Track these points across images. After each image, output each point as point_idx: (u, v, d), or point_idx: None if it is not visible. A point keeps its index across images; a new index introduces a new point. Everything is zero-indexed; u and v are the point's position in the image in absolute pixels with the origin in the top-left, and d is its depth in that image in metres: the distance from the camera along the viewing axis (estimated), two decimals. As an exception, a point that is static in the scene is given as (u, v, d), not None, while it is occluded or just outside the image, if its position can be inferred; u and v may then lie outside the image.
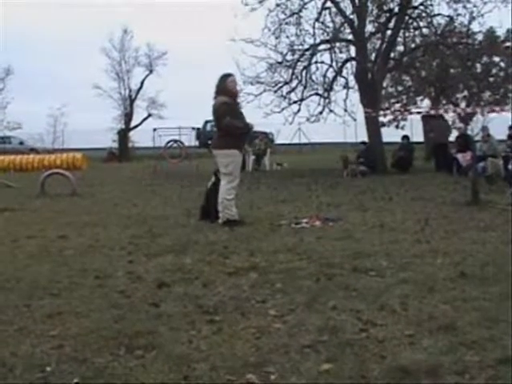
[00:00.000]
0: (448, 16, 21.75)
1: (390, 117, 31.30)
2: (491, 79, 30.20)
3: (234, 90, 10.02)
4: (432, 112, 21.61)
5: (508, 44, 28.74)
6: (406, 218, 9.88)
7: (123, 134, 38.75)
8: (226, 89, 9.79)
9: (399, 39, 22.14)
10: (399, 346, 4.17)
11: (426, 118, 22.09)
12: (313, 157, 26.52)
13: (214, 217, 9.76)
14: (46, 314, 5.06)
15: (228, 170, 9.67)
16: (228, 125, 9.60)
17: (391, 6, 21.97)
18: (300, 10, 21.93)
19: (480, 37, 25.56)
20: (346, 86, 22.62)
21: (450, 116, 27.55)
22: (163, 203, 12.42)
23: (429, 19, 21.72)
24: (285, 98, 22.37)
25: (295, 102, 22.45)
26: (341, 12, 21.68)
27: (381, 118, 24.38)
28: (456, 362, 3.84)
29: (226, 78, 9.89)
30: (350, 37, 22.16)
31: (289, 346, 4.21)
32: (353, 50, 22.40)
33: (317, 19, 21.86)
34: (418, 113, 24.31)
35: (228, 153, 9.65)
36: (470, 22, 21.74)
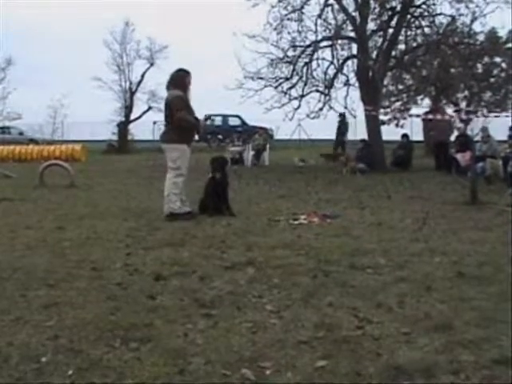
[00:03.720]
0: (450, 15, 21.70)
1: (389, 115, 31.34)
2: (492, 80, 30.20)
3: (189, 85, 9.97)
4: (431, 116, 21.64)
5: (510, 45, 28.74)
6: (404, 217, 9.88)
7: (123, 127, 38.65)
8: (181, 82, 9.86)
9: (401, 38, 22.07)
10: (395, 344, 4.17)
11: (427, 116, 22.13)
12: (312, 153, 26.45)
13: (215, 211, 9.80)
14: (42, 304, 5.06)
15: (176, 165, 9.73)
16: (182, 119, 9.62)
17: (393, 4, 21.91)
18: (302, 7, 21.89)
19: (482, 37, 25.55)
20: (347, 84, 22.58)
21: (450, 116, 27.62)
22: (162, 196, 12.39)
23: (431, 18, 21.66)
24: (285, 93, 22.35)
25: (295, 98, 22.42)
26: (343, 9, 21.63)
27: (381, 116, 24.41)
28: (451, 361, 3.85)
29: (185, 72, 9.98)
30: (352, 34, 22.11)
31: (284, 342, 4.21)
32: (354, 48, 22.36)
33: (319, 16, 21.82)
34: (417, 116, 24.34)
35: (177, 147, 9.72)
36: (471, 22, 21.72)
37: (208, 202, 10.00)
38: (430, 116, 21.53)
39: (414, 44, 22.73)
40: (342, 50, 22.94)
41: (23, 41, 76.01)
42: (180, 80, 9.88)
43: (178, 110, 9.62)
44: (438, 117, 19.60)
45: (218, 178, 10.17)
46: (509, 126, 18.29)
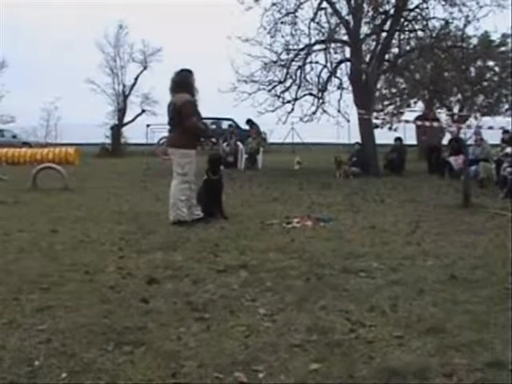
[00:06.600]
0: (443, 19, 21.72)
1: (382, 118, 31.34)
2: (485, 83, 30.28)
3: (194, 84, 9.75)
4: (419, 122, 21.71)
5: (503, 49, 28.84)
6: (397, 220, 9.91)
7: (116, 130, 38.58)
8: (189, 85, 9.67)
9: (394, 41, 22.06)
10: (388, 347, 4.18)
11: (420, 121, 22.20)
12: (305, 157, 26.46)
13: (208, 214, 9.78)
14: (35, 307, 5.06)
15: (183, 171, 9.50)
16: (195, 126, 9.51)
17: (387, 7, 21.94)
18: (296, 10, 21.87)
19: (475, 41, 25.66)
20: (340, 87, 22.57)
21: (443, 119, 27.69)
22: (155, 199, 12.41)
23: (424, 22, 21.66)
24: (279, 97, 22.32)
25: (289, 102, 22.41)
26: (336, 13, 21.63)
27: (374, 120, 24.42)
28: (444, 364, 3.86)
29: (190, 74, 9.75)
30: (345, 38, 22.11)
31: (278, 345, 4.22)
32: (348, 51, 22.36)
33: (312, 19, 21.81)
34: (406, 121, 24.47)
35: (186, 153, 9.51)
36: (465, 26, 21.74)
37: (202, 205, 9.91)
38: (419, 122, 21.55)
39: (408, 48, 22.75)
40: (336, 53, 22.94)
41: (15, 43, 75.88)
42: (185, 81, 9.65)
43: (189, 116, 9.44)
44: (427, 123, 19.65)
45: (215, 178, 10.13)
46: (502, 129, 18.34)
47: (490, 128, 15.80)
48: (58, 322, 4.70)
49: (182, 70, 9.78)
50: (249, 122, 25.82)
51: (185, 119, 9.44)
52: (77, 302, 5.21)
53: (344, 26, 21.67)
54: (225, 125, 39.10)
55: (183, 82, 9.67)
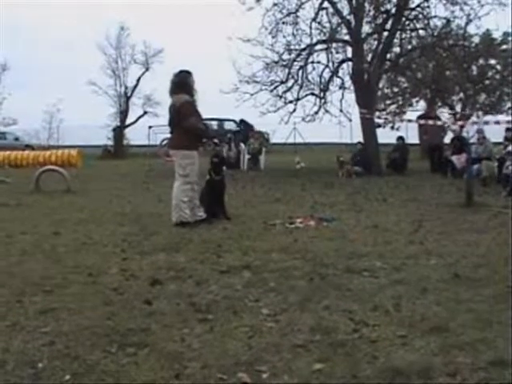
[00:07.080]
0: (445, 18, 21.73)
1: (384, 117, 31.32)
2: (487, 82, 30.26)
3: (193, 86, 9.75)
4: (422, 121, 21.70)
5: (504, 47, 28.81)
6: (400, 219, 9.90)
7: (118, 132, 38.58)
8: (188, 86, 9.67)
9: (396, 40, 22.06)
10: (391, 346, 4.18)
11: (421, 120, 22.20)
12: (308, 157, 26.47)
13: (211, 215, 9.78)
14: (38, 310, 5.06)
15: (185, 172, 9.49)
16: (193, 126, 9.49)
17: (388, 7, 21.94)
18: (297, 10, 21.88)
19: (476, 39, 25.65)
20: (342, 87, 22.58)
21: (446, 118, 27.67)
22: (158, 201, 12.41)
23: (425, 21, 21.67)
24: (281, 97, 22.32)
25: (291, 102, 22.40)
26: (338, 12, 21.65)
27: (376, 119, 24.41)
28: (448, 363, 3.85)
29: (186, 73, 9.75)
30: (347, 37, 22.12)
31: (281, 346, 4.22)
32: (349, 51, 22.36)
33: (314, 19, 21.82)
34: (409, 120, 24.49)
35: (187, 154, 9.49)
36: (466, 25, 21.72)
37: (204, 206, 9.90)
38: (422, 121, 21.55)
39: (409, 47, 22.76)
40: (337, 53, 22.97)
41: (15, 43, 75.96)
42: (184, 82, 9.65)
43: (187, 116, 9.43)
44: (430, 122, 19.66)
45: (217, 179, 10.12)
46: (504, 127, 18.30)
47: (497, 123, 15.75)
48: (62, 325, 4.70)
49: (181, 72, 9.79)
50: (241, 122, 25.89)
51: (183, 120, 9.46)
52: (80, 304, 5.21)
53: (345, 25, 21.68)
54: (227, 126, 39.07)
55: (181, 82, 9.68)
